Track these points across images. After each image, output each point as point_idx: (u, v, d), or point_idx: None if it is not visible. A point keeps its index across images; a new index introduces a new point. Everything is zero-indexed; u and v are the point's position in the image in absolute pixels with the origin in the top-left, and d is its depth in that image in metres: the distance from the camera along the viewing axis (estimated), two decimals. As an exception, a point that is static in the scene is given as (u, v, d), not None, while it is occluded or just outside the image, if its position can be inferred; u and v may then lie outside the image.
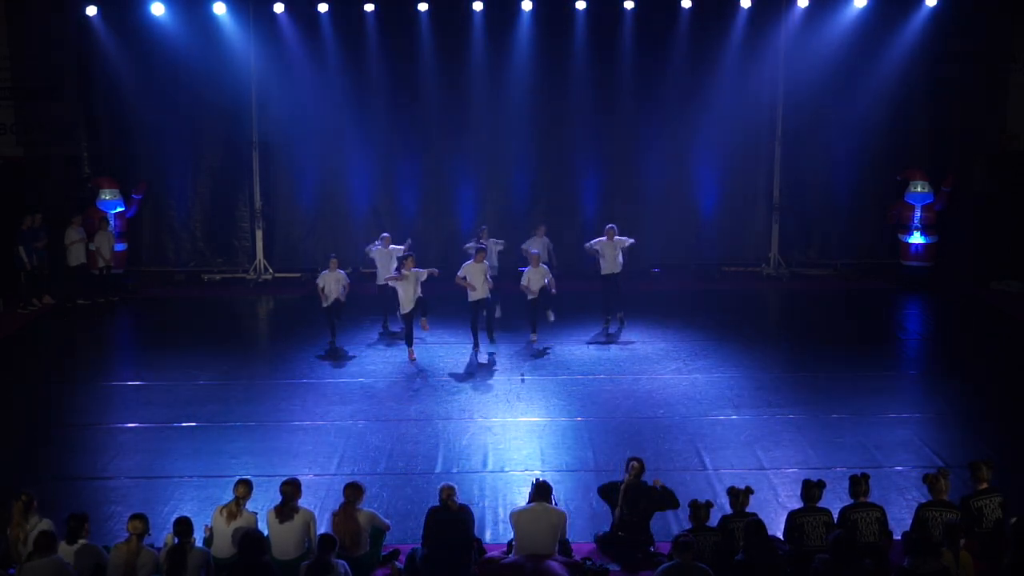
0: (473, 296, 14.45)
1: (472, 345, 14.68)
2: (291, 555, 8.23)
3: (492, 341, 14.83)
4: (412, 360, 14.30)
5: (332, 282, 14.92)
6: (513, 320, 15.72)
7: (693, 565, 7.53)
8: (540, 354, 14.72)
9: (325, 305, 14.96)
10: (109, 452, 11.30)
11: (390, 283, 14.59)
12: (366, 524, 8.47)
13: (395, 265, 15.11)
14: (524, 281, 14.97)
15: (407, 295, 14.17)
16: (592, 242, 15.95)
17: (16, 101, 18.60)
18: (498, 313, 15.46)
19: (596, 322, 16.07)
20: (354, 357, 14.70)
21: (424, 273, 14.27)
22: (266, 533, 8.35)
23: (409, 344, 14.38)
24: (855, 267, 20.08)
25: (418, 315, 14.27)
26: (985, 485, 8.56)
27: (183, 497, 10.13)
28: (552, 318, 14.95)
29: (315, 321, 15.71)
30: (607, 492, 8.99)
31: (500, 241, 16.64)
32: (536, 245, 16.21)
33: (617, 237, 15.72)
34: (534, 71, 19.10)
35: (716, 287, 19.25)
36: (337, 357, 14.69)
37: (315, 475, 10.52)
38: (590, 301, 16.48)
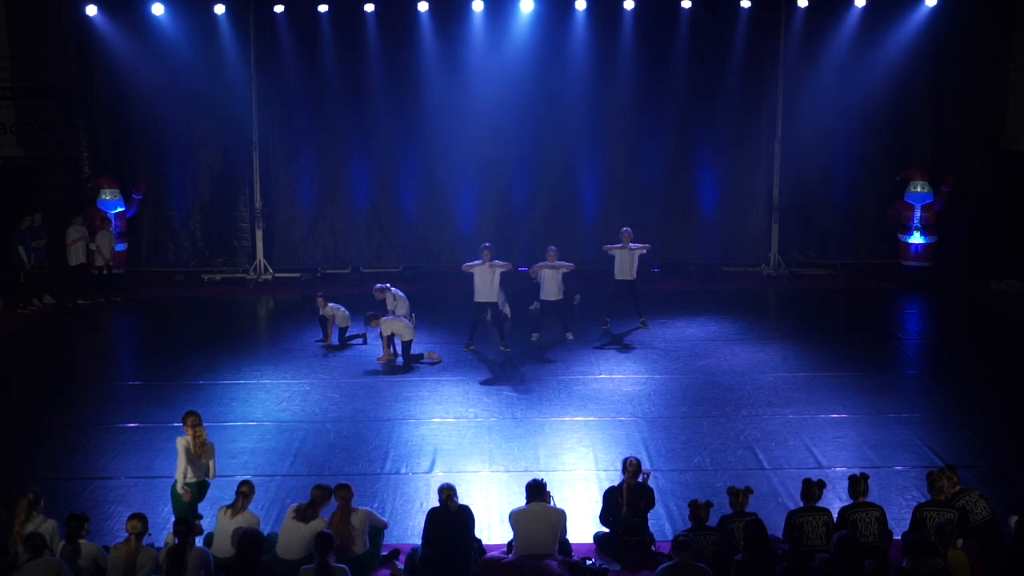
0: (479, 298, 14.71)
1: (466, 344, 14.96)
2: (295, 555, 8.23)
3: (505, 346, 14.89)
4: (422, 360, 14.38)
5: (337, 316, 15.24)
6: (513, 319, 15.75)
7: (693, 565, 7.54)
8: (540, 354, 14.73)
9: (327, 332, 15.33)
10: (109, 452, 11.29)
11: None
12: (363, 522, 8.48)
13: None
14: (536, 266, 15.07)
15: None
16: (608, 247, 15.96)
17: (16, 101, 18.62)
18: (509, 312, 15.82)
19: (596, 322, 16.10)
20: (354, 357, 14.70)
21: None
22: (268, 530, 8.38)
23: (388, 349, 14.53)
24: (855, 267, 20.08)
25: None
26: (958, 487, 8.63)
27: (183, 497, 10.12)
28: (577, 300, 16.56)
29: (315, 321, 15.70)
30: (608, 504, 8.92)
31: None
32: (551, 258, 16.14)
33: (632, 244, 15.73)
34: (534, 72, 19.06)
35: (716, 287, 19.26)
36: (338, 356, 14.69)
37: (313, 475, 10.51)
38: (591, 302, 16.48)
